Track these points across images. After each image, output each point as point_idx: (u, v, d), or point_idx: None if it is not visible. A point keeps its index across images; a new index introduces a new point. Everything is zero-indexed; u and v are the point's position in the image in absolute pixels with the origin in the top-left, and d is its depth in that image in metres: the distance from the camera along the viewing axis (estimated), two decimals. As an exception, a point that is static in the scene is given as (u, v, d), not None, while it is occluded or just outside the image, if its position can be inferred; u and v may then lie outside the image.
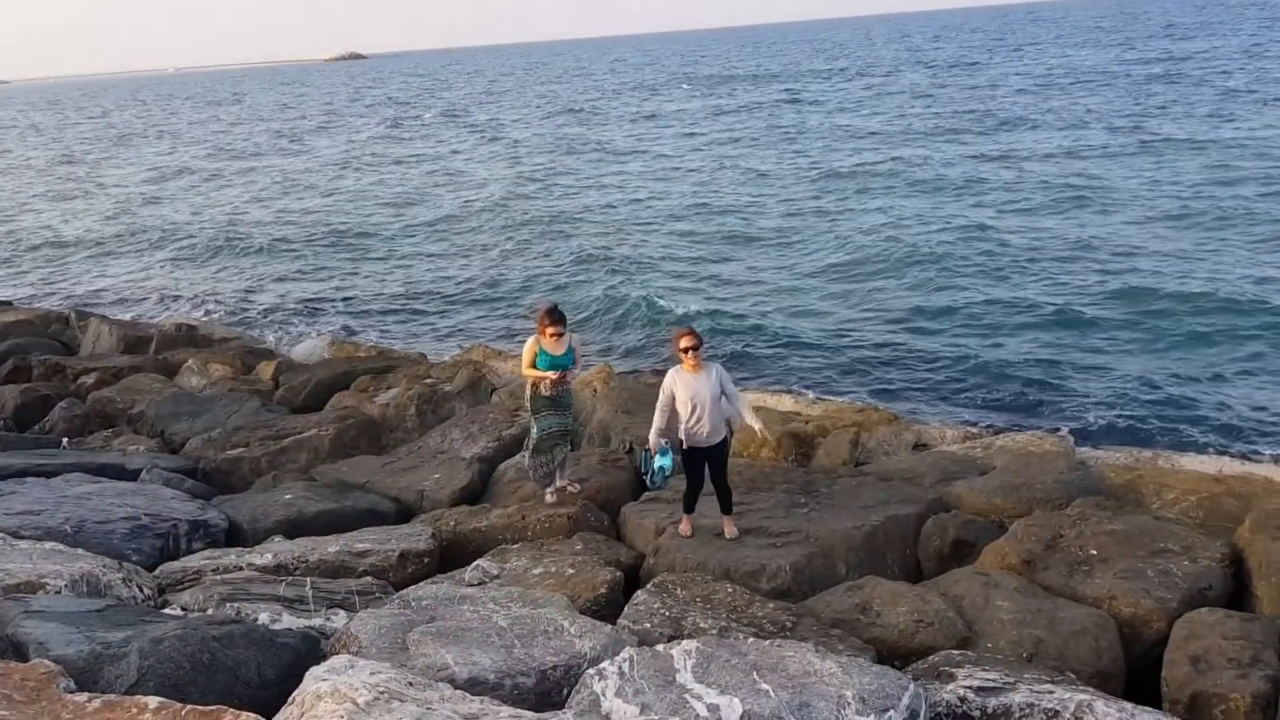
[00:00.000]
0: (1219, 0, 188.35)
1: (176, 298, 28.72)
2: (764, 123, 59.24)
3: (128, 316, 25.96)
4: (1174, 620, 7.83)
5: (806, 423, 13.40)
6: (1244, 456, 13.11)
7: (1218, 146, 36.84)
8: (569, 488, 11.22)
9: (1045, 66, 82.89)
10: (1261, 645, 7.25)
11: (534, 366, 10.71)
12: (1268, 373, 16.52)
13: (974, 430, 13.83)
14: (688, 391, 9.48)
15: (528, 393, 11.01)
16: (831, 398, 16.11)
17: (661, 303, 23.08)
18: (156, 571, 9.14)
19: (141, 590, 8.48)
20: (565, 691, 6.44)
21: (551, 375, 10.66)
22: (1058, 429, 14.56)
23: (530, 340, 10.79)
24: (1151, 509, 10.09)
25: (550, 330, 10.61)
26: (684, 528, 9.90)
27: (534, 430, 10.88)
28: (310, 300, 27.14)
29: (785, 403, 14.80)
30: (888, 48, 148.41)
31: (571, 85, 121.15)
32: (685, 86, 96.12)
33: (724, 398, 9.60)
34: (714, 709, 5.87)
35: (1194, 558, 8.65)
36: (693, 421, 9.51)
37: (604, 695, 6.06)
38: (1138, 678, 7.73)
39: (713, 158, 46.69)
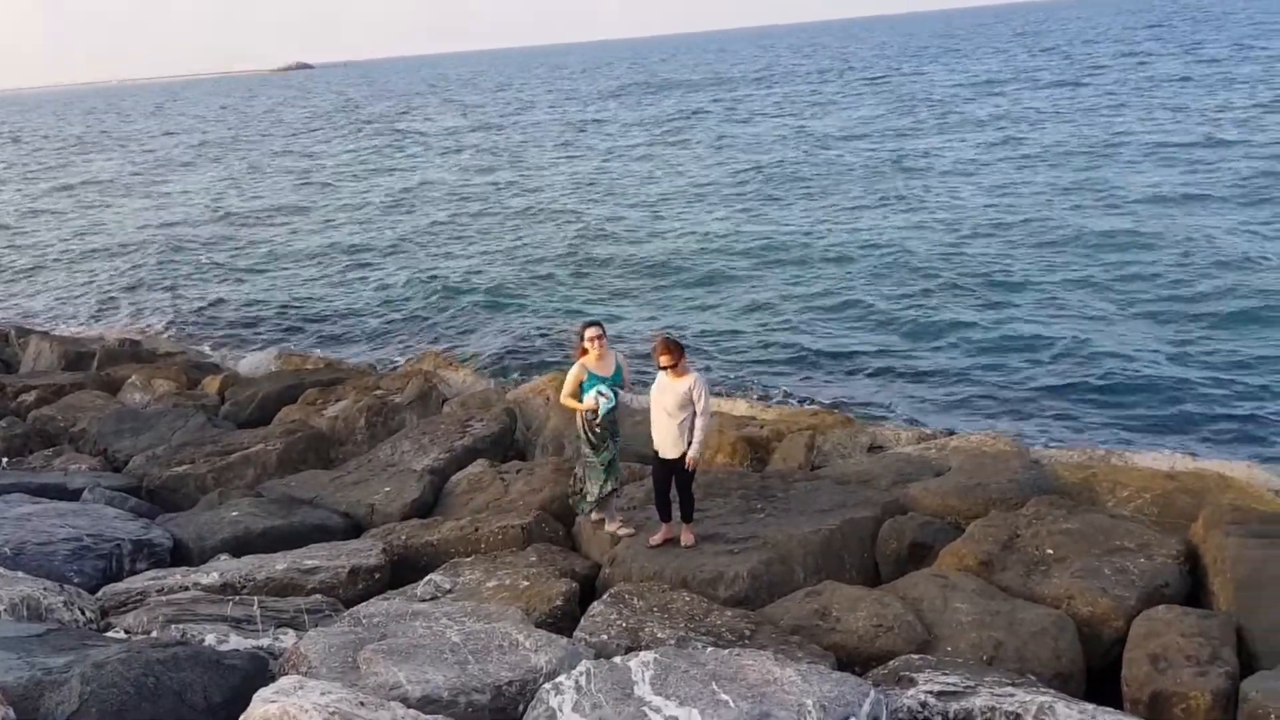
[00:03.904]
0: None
1: (119, 312, 28.22)
2: (708, 131, 59.34)
3: (69, 332, 25.45)
4: (1132, 619, 7.82)
5: (761, 427, 13.36)
6: (1195, 452, 13.22)
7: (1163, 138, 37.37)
8: (619, 531, 10.06)
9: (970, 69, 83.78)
10: (1219, 642, 7.26)
11: (578, 394, 9.66)
12: (1217, 367, 16.68)
13: (928, 431, 13.85)
14: (653, 396, 9.39)
15: (581, 425, 9.83)
16: (786, 401, 16.07)
17: (608, 313, 23.01)
18: (99, 593, 8.93)
19: (84, 613, 8.30)
20: (521, 708, 6.35)
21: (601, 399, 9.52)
22: (1010, 428, 14.62)
23: (575, 366, 9.72)
24: (1106, 507, 10.13)
25: (593, 336, 9.60)
26: (654, 538, 9.60)
27: (593, 458, 9.90)
28: (256, 313, 26.76)
29: (740, 407, 14.76)
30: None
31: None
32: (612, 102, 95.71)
33: (694, 414, 9.13)
34: (673, 722, 5.79)
35: (1150, 555, 8.67)
36: (652, 428, 9.45)
37: (561, 710, 5.98)
38: (1098, 678, 7.73)
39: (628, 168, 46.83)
